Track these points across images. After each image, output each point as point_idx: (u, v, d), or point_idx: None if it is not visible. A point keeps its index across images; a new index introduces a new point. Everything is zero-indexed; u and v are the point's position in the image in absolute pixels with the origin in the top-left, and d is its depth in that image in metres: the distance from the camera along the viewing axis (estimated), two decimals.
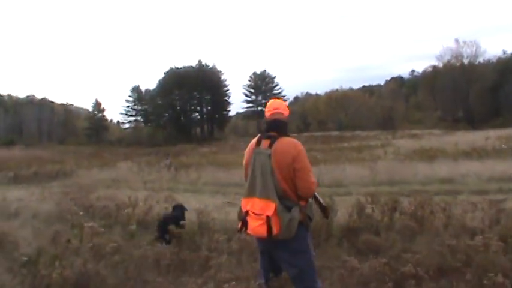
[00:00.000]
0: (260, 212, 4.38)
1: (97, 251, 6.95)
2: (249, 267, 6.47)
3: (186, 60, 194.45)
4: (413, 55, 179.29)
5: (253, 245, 7.28)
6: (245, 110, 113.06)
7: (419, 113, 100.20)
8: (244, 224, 4.54)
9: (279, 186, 4.39)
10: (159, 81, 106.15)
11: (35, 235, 8.82)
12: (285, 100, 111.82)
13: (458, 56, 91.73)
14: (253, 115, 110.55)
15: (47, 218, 10.48)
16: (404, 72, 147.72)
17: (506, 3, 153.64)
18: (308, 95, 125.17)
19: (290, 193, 4.44)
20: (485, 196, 10.96)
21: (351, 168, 20.18)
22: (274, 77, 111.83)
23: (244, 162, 4.82)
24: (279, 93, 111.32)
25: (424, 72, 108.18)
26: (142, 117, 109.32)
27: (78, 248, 7.21)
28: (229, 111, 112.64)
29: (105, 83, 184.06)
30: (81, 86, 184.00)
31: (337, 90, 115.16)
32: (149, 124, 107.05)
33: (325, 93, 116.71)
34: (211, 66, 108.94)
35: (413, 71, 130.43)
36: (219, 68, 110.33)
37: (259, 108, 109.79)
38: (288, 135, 4.65)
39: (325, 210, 4.93)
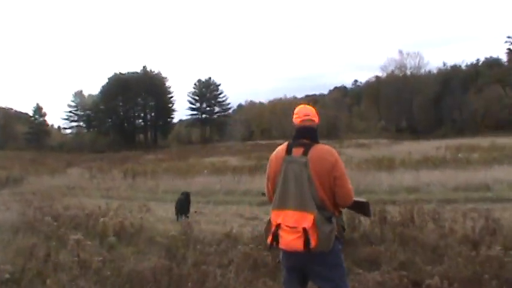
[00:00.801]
0: (295, 225, 4.04)
1: (83, 266, 6.40)
2: (251, 283, 6.09)
3: (131, 65, 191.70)
4: (355, 65, 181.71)
5: (247, 257, 6.93)
6: (189, 117, 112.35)
7: (363, 123, 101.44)
8: (275, 238, 4.17)
9: (317, 196, 4.08)
10: (103, 87, 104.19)
11: (1, 248, 8.15)
12: (229, 108, 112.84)
13: (402, 67, 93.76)
14: (197, 122, 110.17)
15: (11, 229, 9.72)
16: (348, 82, 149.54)
17: (448, 16, 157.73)
18: (252, 103, 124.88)
19: (328, 203, 4.15)
20: (455, 205, 10.94)
21: None
22: (219, 84, 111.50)
23: (268, 172, 4.50)
24: (224, 101, 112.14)
25: (368, 82, 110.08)
26: (84, 123, 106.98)
27: (59, 263, 6.64)
28: (173, 118, 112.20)
29: (47, 87, 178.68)
30: (22, 90, 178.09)
31: (280, 99, 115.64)
32: (91, 130, 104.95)
33: (269, 101, 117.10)
34: (156, 72, 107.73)
35: (356, 81, 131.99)
36: (163, 75, 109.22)
37: (204, 115, 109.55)
38: (319, 142, 4.34)
39: (366, 207, 4.62)
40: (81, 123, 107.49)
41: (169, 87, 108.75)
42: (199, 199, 17.23)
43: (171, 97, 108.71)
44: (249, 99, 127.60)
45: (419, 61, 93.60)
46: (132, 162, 43.50)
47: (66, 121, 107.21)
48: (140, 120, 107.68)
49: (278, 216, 4.18)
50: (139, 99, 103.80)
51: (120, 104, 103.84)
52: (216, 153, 54.23)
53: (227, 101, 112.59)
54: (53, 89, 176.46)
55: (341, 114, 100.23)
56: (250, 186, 18.97)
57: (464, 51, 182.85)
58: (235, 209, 14.86)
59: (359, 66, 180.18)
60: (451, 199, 14.19)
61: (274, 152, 4.49)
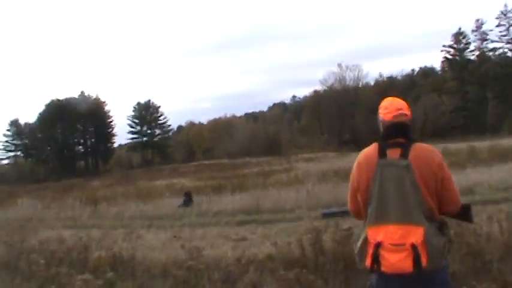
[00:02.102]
0: (401, 242, 3.32)
1: None
2: None
3: (68, 91, 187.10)
4: (292, 82, 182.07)
5: (286, 283, 6.10)
6: (129, 141, 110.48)
7: (305, 138, 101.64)
8: (375, 260, 3.40)
9: (425, 204, 3.37)
10: (40, 114, 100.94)
11: None
12: (170, 130, 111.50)
13: (341, 80, 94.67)
14: (138, 146, 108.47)
15: None
16: (286, 98, 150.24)
17: (383, 29, 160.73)
18: (192, 124, 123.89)
19: (435, 211, 3.44)
20: None
21: (285, 192, 19.27)
22: (159, 106, 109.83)
23: (357, 181, 3.69)
24: (164, 123, 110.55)
25: (306, 97, 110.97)
26: (22, 152, 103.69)
27: None
28: (113, 143, 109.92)
29: None
30: None
31: (220, 118, 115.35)
32: (30, 159, 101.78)
33: (209, 121, 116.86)
34: (94, 97, 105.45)
35: (294, 96, 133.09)
36: (102, 99, 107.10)
37: (144, 138, 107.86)
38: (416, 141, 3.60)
39: (469, 211, 3.80)
40: (19, 153, 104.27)
41: (109, 112, 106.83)
42: (172, 223, 16.24)
43: (111, 121, 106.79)
44: (189, 119, 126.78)
45: (358, 73, 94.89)
46: (78, 190, 41.91)
47: (3, 151, 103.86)
48: (80, 147, 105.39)
49: (377, 233, 3.42)
50: (78, 125, 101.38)
51: (59, 130, 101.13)
52: (162, 176, 53.04)
53: (167, 123, 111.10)
54: None
55: (282, 130, 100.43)
56: (221, 207, 18.03)
57: (400, 63, 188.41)
58: (216, 231, 13.92)
59: (296, 82, 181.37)
60: None
61: (362, 156, 3.69)
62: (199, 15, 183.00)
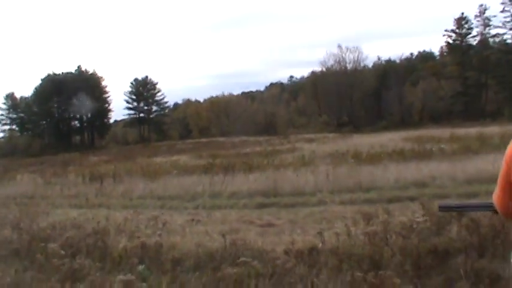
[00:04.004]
0: None
1: None
2: None
3: (65, 65, 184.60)
4: (290, 61, 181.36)
5: None
6: (125, 117, 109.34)
7: (302, 118, 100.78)
8: None
9: None
10: (36, 88, 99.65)
11: None
12: (167, 107, 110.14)
13: (341, 61, 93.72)
14: (134, 122, 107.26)
15: None
16: (283, 78, 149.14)
17: (384, 10, 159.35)
18: (188, 101, 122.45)
19: None
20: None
21: (301, 174, 18.28)
22: (156, 83, 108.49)
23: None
24: (161, 99, 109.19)
25: (304, 77, 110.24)
26: (17, 126, 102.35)
27: None
28: (110, 118, 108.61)
29: None
30: None
31: (217, 96, 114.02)
32: (25, 133, 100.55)
33: (206, 99, 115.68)
34: (91, 72, 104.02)
35: (291, 76, 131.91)
36: (99, 74, 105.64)
37: (141, 115, 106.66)
38: None
39: None
40: (14, 127, 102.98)
41: (106, 87, 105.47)
42: (185, 204, 15.19)
43: (108, 97, 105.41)
44: (185, 97, 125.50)
45: (358, 55, 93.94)
46: (76, 165, 40.78)
47: None
48: (76, 122, 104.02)
49: None
50: (74, 100, 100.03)
51: (55, 105, 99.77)
52: (161, 153, 51.86)
53: (165, 100, 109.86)
54: None
55: (280, 110, 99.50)
56: (235, 188, 16.83)
57: (399, 46, 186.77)
58: (235, 214, 12.91)
59: (293, 62, 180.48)
60: (471, 193, 12.55)
61: None
62: None
